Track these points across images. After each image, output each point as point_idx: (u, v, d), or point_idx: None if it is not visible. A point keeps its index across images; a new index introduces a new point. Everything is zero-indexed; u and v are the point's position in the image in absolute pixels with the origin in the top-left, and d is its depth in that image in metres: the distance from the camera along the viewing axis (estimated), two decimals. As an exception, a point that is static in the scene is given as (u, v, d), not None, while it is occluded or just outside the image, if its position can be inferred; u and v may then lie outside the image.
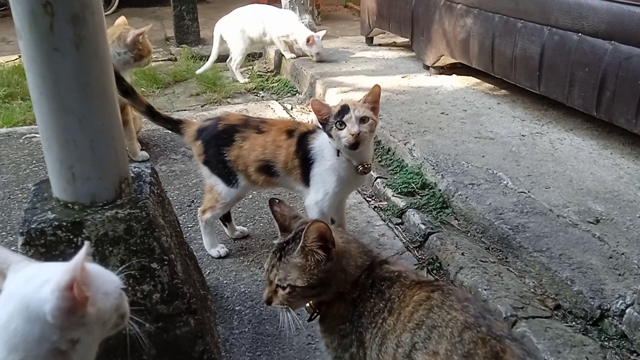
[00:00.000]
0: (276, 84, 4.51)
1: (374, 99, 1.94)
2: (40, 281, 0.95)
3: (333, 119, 1.89)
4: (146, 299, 1.52)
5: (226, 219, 2.35)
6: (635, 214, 2.24)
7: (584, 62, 2.80)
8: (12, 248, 2.26)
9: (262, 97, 4.32)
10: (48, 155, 1.42)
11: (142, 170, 1.66)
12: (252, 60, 5.13)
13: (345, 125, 1.87)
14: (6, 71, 4.69)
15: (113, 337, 1.51)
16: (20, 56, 4.98)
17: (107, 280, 1.06)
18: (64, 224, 1.41)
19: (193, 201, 2.63)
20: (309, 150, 2.01)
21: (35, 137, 3.30)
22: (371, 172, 2.80)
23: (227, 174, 2.08)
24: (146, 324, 1.53)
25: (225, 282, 2.11)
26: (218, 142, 2.05)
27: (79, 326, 0.96)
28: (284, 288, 1.28)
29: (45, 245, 1.40)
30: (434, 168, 2.66)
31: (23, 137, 3.32)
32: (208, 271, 2.15)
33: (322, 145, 2.01)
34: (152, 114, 2.10)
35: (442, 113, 3.33)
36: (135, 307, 1.44)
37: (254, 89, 4.47)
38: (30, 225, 1.41)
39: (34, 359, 0.93)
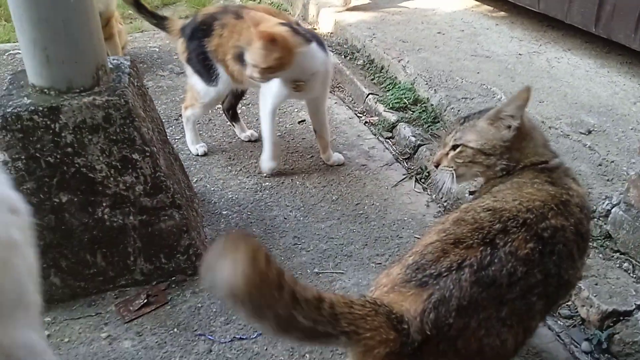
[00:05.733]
0: (268, 7, 4.34)
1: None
2: None
3: None
4: (129, 191, 1.51)
5: (233, 118, 2.37)
6: (628, 126, 2.21)
7: (586, -25, 2.69)
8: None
9: (254, 20, 4.17)
10: (21, 38, 1.37)
11: (121, 62, 1.61)
12: (244, -16, 4.93)
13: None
14: (-12, -8, 4.50)
15: (97, 228, 1.52)
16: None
17: None
18: (40, 109, 1.37)
19: (180, 115, 2.58)
20: None
21: (19, 53, 3.20)
22: (362, 88, 2.76)
23: (207, 69, 2.05)
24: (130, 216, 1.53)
25: (212, 189, 2.10)
26: (198, 35, 2.02)
27: None
28: (455, 148, 1.27)
29: (22, 130, 1.37)
30: (427, 83, 2.60)
31: (6, 54, 3.22)
32: (195, 179, 2.14)
33: None
34: (138, 6, 2.13)
35: (438, 32, 3.23)
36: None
37: (245, 13, 4.31)
38: (6, 110, 1.37)
39: None
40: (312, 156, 2.29)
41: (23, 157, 1.38)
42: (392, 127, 2.46)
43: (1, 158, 1.38)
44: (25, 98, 1.40)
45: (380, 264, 1.72)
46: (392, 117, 2.49)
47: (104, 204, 1.49)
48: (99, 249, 1.52)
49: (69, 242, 1.48)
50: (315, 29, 3.72)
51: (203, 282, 0.78)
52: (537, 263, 1.01)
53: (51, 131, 1.39)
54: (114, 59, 1.60)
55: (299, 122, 2.56)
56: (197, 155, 2.27)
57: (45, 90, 1.40)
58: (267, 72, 1.81)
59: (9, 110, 1.36)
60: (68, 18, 1.34)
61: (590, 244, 1.73)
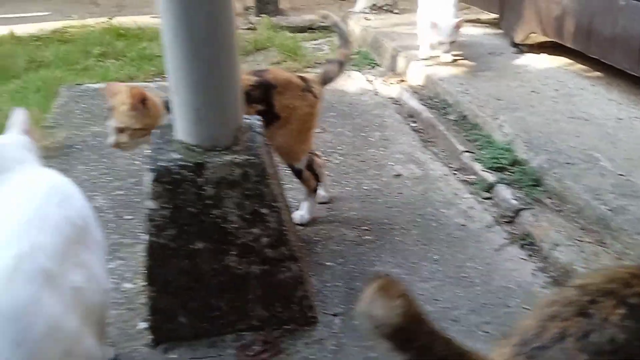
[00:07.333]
0: (356, 56, 4.49)
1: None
2: None
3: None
4: (255, 242, 1.60)
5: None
6: None
7: (697, 43, 2.63)
8: (118, 192, 2.43)
9: (342, 68, 4.32)
10: (176, 99, 1.51)
11: (253, 122, 1.73)
12: (332, 32, 5.13)
13: None
14: (97, 32, 4.92)
15: (224, 274, 1.61)
16: (110, 18, 5.25)
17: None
18: (189, 164, 1.50)
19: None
20: None
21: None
22: (457, 145, 2.79)
23: None
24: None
25: (315, 239, 2.17)
26: None
27: None
28: None
29: (171, 182, 1.50)
30: (526, 145, 2.60)
31: (120, 93, 3.50)
32: (299, 228, 2.22)
33: None
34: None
35: (532, 91, 3.23)
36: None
37: (333, 60, 4.48)
38: (158, 164, 1.51)
39: None
40: (411, 212, 2.33)
41: (170, 206, 1.51)
42: (490, 187, 2.47)
43: (151, 206, 1.51)
44: (175, 153, 1.54)
45: (488, 332, 1.71)
46: (489, 177, 2.50)
47: (232, 253, 1.59)
48: (223, 294, 1.62)
49: (199, 286, 1.59)
50: (403, 80, 3.81)
51: (357, 318, 0.90)
52: (632, 330, 1.00)
53: (195, 185, 1.51)
54: (246, 118, 1.73)
55: (395, 176, 2.62)
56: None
57: (193, 147, 1.53)
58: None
59: (160, 164, 1.50)
60: (221, 83, 1.48)
61: None
